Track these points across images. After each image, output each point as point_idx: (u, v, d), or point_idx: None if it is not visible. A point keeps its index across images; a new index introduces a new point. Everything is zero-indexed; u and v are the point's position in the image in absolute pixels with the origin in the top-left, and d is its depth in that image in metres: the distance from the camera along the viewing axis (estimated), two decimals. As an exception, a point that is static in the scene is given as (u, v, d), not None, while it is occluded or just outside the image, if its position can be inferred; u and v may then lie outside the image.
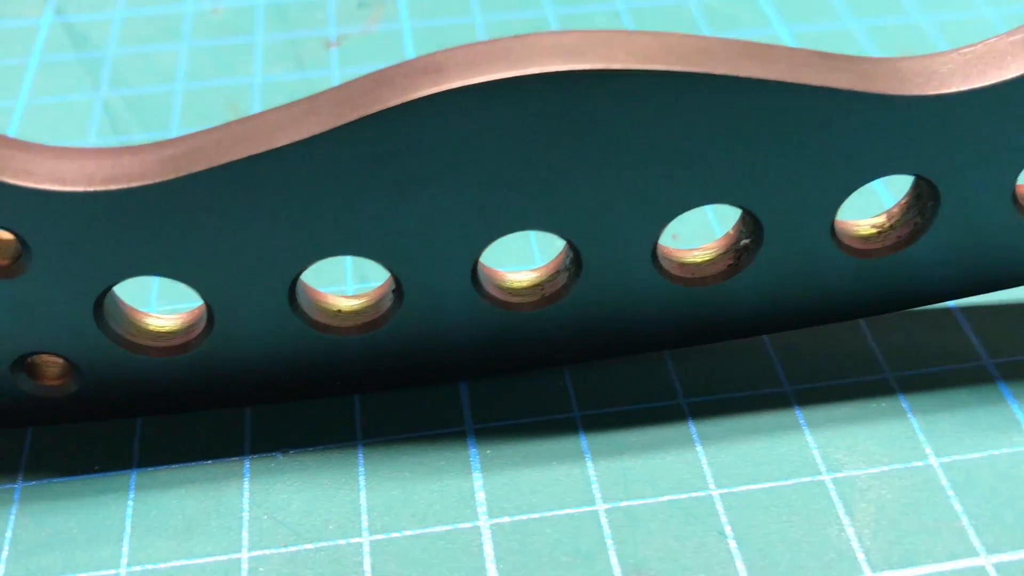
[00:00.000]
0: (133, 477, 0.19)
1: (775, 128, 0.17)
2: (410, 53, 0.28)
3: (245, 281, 0.18)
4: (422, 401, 0.20)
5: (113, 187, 0.16)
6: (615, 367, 0.20)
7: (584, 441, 0.19)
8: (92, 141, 0.25)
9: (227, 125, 0.17)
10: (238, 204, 0.17)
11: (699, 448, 0.19)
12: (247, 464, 0.19)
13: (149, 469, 0.19)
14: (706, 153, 0.17)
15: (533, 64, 0.16)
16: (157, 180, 0.16)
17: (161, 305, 0.22)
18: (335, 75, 0.27)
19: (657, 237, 0.18)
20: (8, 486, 0.19)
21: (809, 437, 0.19)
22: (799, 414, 0.20)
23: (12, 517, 0.18)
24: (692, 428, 0.19)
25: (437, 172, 0.17)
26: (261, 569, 0.18)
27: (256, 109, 0.26)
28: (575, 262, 0.19)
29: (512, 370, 0.20)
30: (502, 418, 0.20)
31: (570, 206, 0.17)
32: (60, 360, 0.19)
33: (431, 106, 0.16)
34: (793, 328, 0.20)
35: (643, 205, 0.18)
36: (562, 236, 0.18)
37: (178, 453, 0.19)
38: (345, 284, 0.22)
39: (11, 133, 0.26)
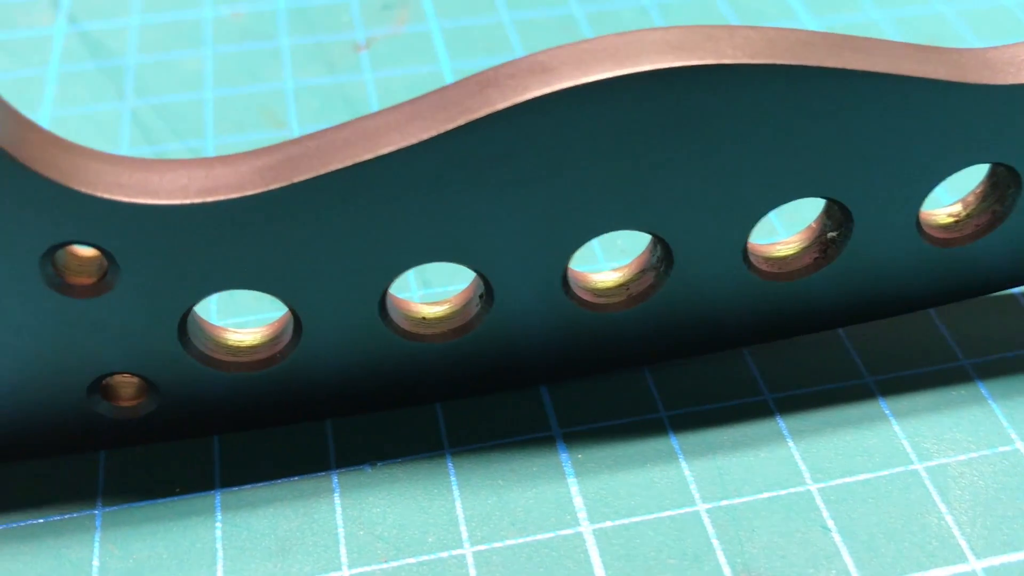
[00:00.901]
0: (217, 497, 0.18)
1: (872, 119, 0.17)
2: (442, 54, 0.27)
3: (337, 291, 0.17)
4: (504, 407, 0.20)
5: (210, 199, 0.16)
6: (696, 365, 0.20)
7: (675, 441, 0.19)
8: (125, 151, 0.25)
9: (322, 133, 0.16)
10: (337, 213, 0.16)
11: (791, 443, 0.19)
12: (335, 478, 0.19)
13: (233, 488, 0.18)
14: (803, 146, 0.17)
15: (643, 61, 0.15)
16: (257, 191, 0.16)
17: (222, 320, 0.21)
18: (368, 78, 0.27)
19: (749, 232, 0.18)
20: (88, 512, 0.18)
21: (896, 427, 0.19)
22: (883, 405, 0.20)
23: (96, 544, 0.18)
24: (781, 423, 0.19)
25: (537, 174, 0.16)
26: (365, 586, 0.17)
27: (292, 115, 0.26)
28: (664, 260, 0.18)
29: (593, 372, 0.20)
30: (588, 421, 0.19)
31: (666, 204, 0.17)
32: (135, 380, 0.18)
33: (541, 107, 0.15)
34: (871, 319, 0.20)
35: (738, 200, 0.17)
36: (656, 234, 0.18)
37: (261, 471, 0.19)
38: (410, 291, 0.22)
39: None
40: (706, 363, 0.20)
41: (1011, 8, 0.29)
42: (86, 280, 0.16)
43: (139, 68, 0.27)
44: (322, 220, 0.16)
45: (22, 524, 0.18)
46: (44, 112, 0.26)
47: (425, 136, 0.16)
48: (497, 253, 0.17)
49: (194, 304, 0.17)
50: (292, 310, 0.18)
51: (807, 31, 0.17)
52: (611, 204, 0.17)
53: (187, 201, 0.16)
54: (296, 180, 0.16)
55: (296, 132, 0.25)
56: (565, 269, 0.18)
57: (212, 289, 0.17)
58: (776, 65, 0.16)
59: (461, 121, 0.15)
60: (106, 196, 0.15)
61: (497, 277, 0.18)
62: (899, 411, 0.19)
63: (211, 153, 0.25)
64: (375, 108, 0.26)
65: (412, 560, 0.17)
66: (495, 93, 0.16)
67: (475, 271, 0.18)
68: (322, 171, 0.16)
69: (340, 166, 0.16)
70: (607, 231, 0.17)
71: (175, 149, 0.25)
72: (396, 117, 0.16)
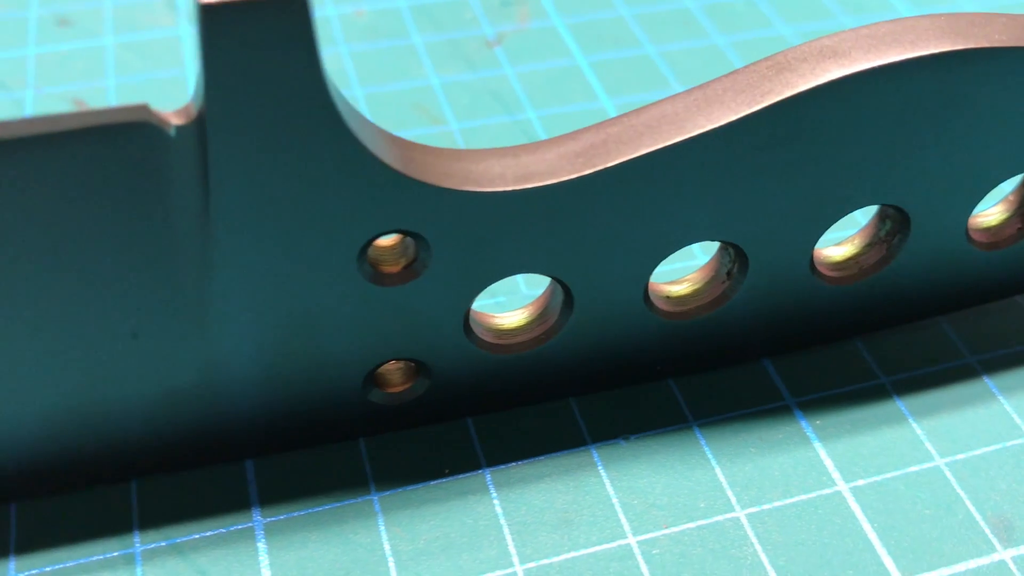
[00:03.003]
0: (487, 476, 0.19)
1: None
2: (574, 48, 0.28)
3: (615, 271, 0.18)
4: (733, 379, 0.21)
5: (528, 186, 0.16)
6: (899, 333, 0.21)
7: (901, 404, 0.20)
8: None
9: (618, 120, 0.17)
10: (638, 195, 0.17)
11: (1001, 399, 0.20)
12: (595, 452, 0.19)
13: (500, 467, 0.19)
14: (1033, 124, 0.18)
15: (927, 45, 0.17)
16: (570, 176, 0.16)
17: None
18: (510, 73, 0.27)
19: (975, 207, 0.19)
20: (365, 498, 0.19)
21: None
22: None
23: (382, 528, 0.18)
24: (990, 383, 0.21)
25: (812, 154, 0.17)
26: (654, 551, 0.18)
27: (444, 110, 0.26)
28: (894, 233, 0.20)
29: (814, 343, 0.21)
30: (818, 390, 0.20)
31: (915, 178, 0.18)
32: (404, 366, 0.19)
33: (838, 89, 0.17)
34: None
35: (975, 172, 0.19)
36: (900, 208, 0.19)
37: (522, 448, 0.19)
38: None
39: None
40: (911, 330, 0.21)
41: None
42: (393, 268, 0.17)
43: (278, 67, 0.27)
44: (622, 203, 0.17)
45: (302, 513, 0.18)
46: (197, 113, 0.26)
47: (733, 117, 0.16)
48: (759, 230, 0.18)
49: (483, 290, 0.18)
50: (568, 291, 0.18)
51: (1045, 16, 0.18)
52: (866, 181, 0.18)
53: (506, 188, 0.16)
54: (609, 164, 0.16)
55: (454, 128, 0.26)
56: (814, 245, 0.19)
57: (504, 274, 0.17)
58: (1037, 47, 0.17)
59: (765, 103, 0.16)
60: (438, 184, 0.16)
61: (754, 253, 0.19)
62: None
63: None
64: (525, 102, 0.27)
65: (692, 525, 0.18)
66: (793, 77, 0.17)
67: (734, 247, 0.19)
68: (632, 155, 0.16)
69: (650, 149, 0.16)
70: (858, 207, 0.19)
71: (340, 146, 0.25)
72: (691, 102, 0.17)
